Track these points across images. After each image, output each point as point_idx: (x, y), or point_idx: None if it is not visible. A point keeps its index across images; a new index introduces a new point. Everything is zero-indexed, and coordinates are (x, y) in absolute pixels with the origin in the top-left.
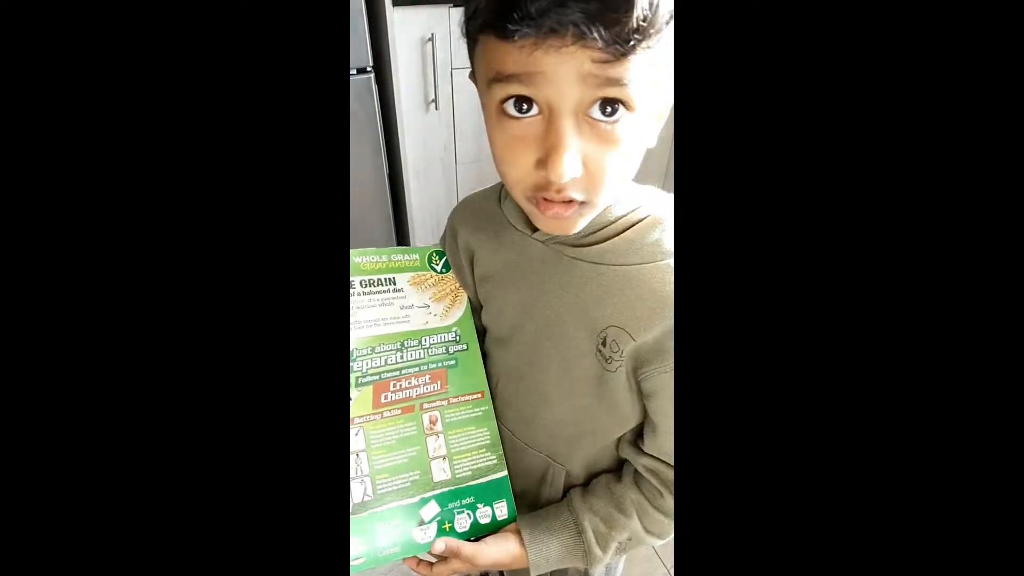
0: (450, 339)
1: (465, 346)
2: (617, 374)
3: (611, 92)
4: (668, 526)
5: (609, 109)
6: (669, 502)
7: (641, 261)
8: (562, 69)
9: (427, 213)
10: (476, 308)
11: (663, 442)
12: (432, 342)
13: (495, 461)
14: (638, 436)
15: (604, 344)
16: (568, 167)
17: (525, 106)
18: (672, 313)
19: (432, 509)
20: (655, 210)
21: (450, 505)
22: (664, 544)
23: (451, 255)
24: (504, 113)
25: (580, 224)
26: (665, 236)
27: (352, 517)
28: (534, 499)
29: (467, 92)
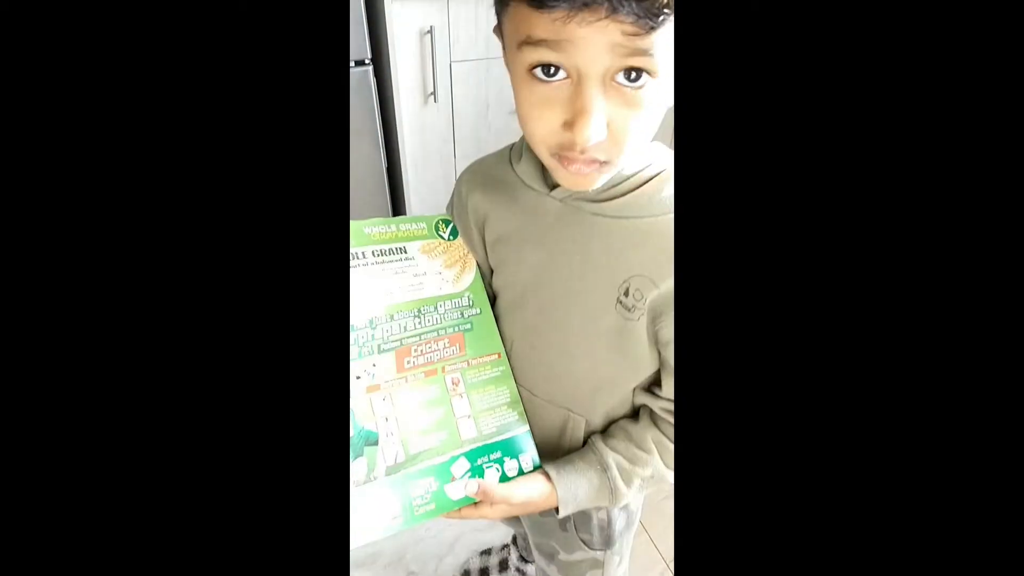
0: (464, 304)
1: (479, 310)
2: (639, 323)
3: (638, 62)
4: None
5: (634, 75)
6: None
7: (660, 213)
8: (592, 39)
9: (425, 207)
10: (485, 273)
11: None
12: (447, 307)
13: (517, 417)
14: (652, 384)
15: (627, 294)
16: (594, 131)
17: (553, 70)
18: None
19: (462, 465)
20: (666, 166)
21: (479, 461)
22: (661, 536)
23: (459, 221)
24: (533, 75)
25: (600, 180)
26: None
27: (387, 478)
28: (554, 451)
29: (466, 85)
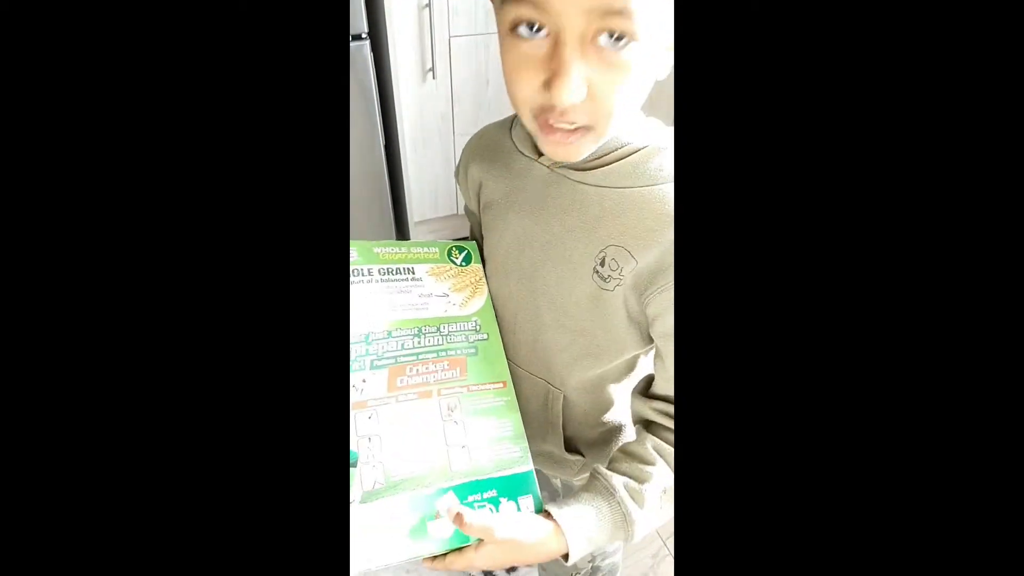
0: (470, 328)
1: (486, 336)
2: (615, 293)
3: (615, 23)
4: None
5: (615, 37)
6: None
7: (643, 184)
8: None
9: (425, 185)
10: (479, 241)
11: (671, 371)
12: (451, 330)
13: (520, 454)
14: (645, 386)
15: (603, 264)
16: (570, 91)
17: (535, 27)
18: (671, 233)
19: (450, 500)
20: (657, 140)
21: (470, 498)
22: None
23: (463, 189)
24: (515, 33)
25: (584, 151)
26: (667, 162)
27: (362, 505)
28: (537, 424)
29: (465, 60)
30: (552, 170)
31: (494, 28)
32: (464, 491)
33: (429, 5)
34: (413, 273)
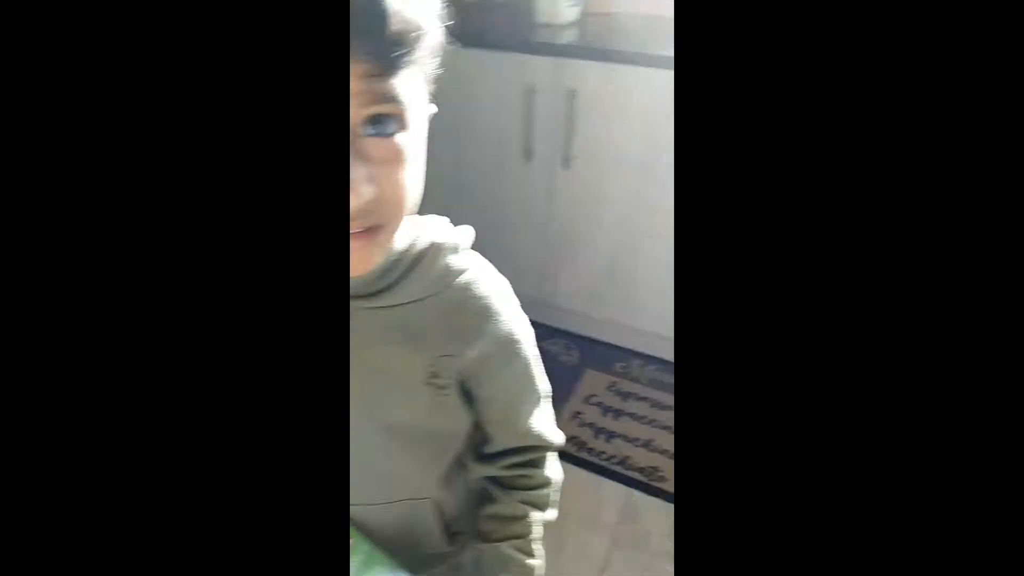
0: None
1: None
2: (451, 395)
3: (384, 108)
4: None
5: (380, 124)
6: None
7: (439, 289)
8: None
9: None
10: None
11: (509, 438)
12: None
13: None
14: (479, 445)
15: (437, 376)
16: (361, 190)
17: None
18: (485, 323)
19: None
20: (433, 238)
21: None
22: None
23: None
24: None
25: (376, 258)
26: (453, 257)
27: None
28: (411, 539)
29: None
30: None
31: None
32: None
33: None
34: None
